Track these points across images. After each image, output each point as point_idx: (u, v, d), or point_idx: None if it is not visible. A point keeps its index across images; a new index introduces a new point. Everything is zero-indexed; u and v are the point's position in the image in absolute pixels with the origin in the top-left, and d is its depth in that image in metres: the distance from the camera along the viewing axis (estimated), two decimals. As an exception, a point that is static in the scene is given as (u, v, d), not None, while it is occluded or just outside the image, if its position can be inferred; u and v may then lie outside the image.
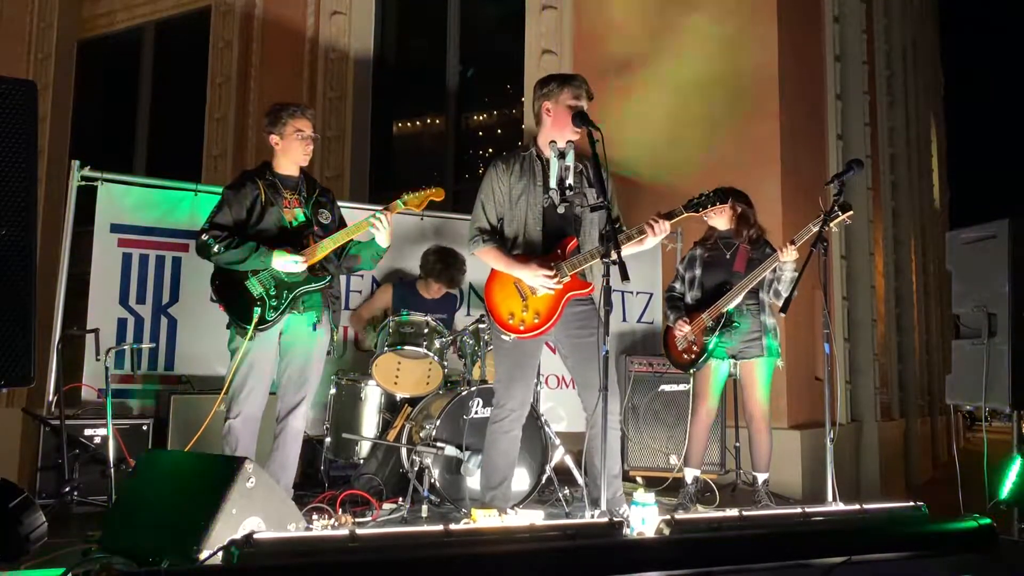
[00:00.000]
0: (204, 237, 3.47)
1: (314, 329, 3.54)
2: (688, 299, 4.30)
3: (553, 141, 3.39)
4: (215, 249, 3.44)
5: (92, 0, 9.06)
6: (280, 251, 3.43)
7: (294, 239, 3.53)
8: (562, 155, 3.36)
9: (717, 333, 4.07)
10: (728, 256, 4.20)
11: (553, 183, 3.37)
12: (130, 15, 8.87)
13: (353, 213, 4.08)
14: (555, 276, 3.28)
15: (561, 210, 3.39)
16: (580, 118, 3.23)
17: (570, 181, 3.36)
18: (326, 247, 3.52)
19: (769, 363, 4.13)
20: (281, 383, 3.56)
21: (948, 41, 15.66)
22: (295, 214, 3.58)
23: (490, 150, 7.59)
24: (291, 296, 3.47)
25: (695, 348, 4.17)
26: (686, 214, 3.38)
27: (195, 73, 8.17)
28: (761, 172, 5.53)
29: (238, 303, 3.48)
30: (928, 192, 11.32)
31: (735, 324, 4.08)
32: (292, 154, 3.61)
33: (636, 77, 6.10)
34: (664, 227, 3.26)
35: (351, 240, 3.63)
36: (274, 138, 3.60)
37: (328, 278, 3.56)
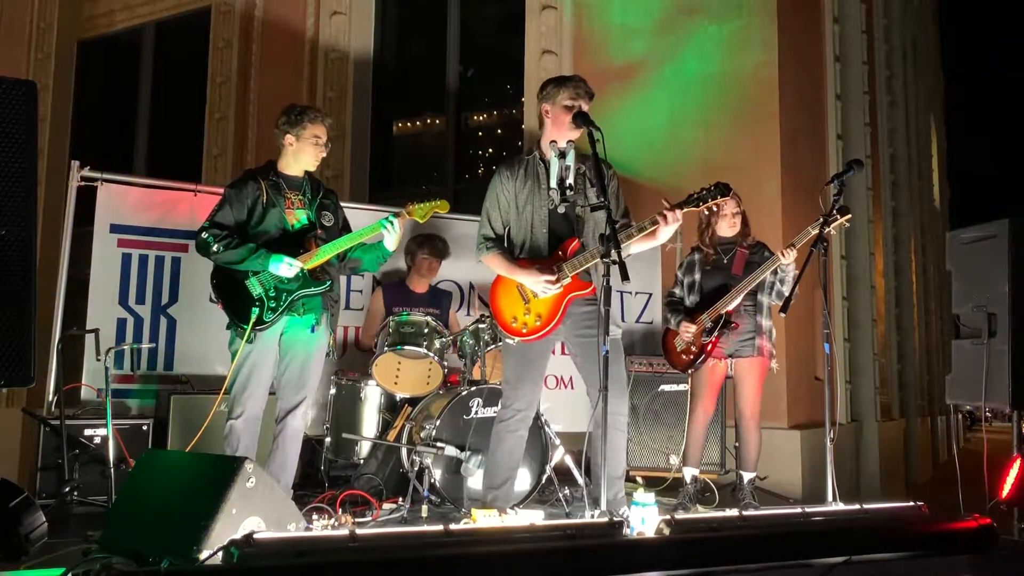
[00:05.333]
0: (204, 235, 3.46)
1: (313, 331, 3.54)
2: (688, 303, 4.33)
3: (554, 141, 3.39)
4: (214, 248, 3.43)
5: (92, 0, 9.06)
6: (279, 255, 3.42)
7: (295, 241, 3.51)
8: (562, 155, 3.37)
9: (716, 334, 4.09)
10: (726, 260, 4.24)
11: (553, 183, 3.37)
12: (130, 15, 8.86)
13: (354, 214, 4.08)
14: (556, 279, 3.28)
15: (562, 210, 3.40)
16: (580, 118, 3.23)
17: (570, 181, 3.36)
18: (328, 252, 3.50)
19: (761, 364, 4.15)
20: (281, 384, 3.56)
21: (948, 41, 15.66)
22: (297, 216, 3.57)
23: (490, 150, 7.59)
24: (290, 299, 3.46)
25: (693, 349, 4.20)
26: (687, 207, 3.35)
27: (195, 73, 8.16)
28: (761, 172, 5.53)
29: (237, 303, 3.47)
30: (928, 192, 11.31)
31: (734, 326, 4.11)
32: (303, 158, 3.61)
33: (636, 77, 6.10)
34: (677, 216, 3.23)
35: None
36: (290, 138, 3.58)
37: (328, 282, 3.54)
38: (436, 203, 3.59)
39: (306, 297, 3.49)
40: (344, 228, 3.72)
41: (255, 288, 3.45)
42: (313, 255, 3.48)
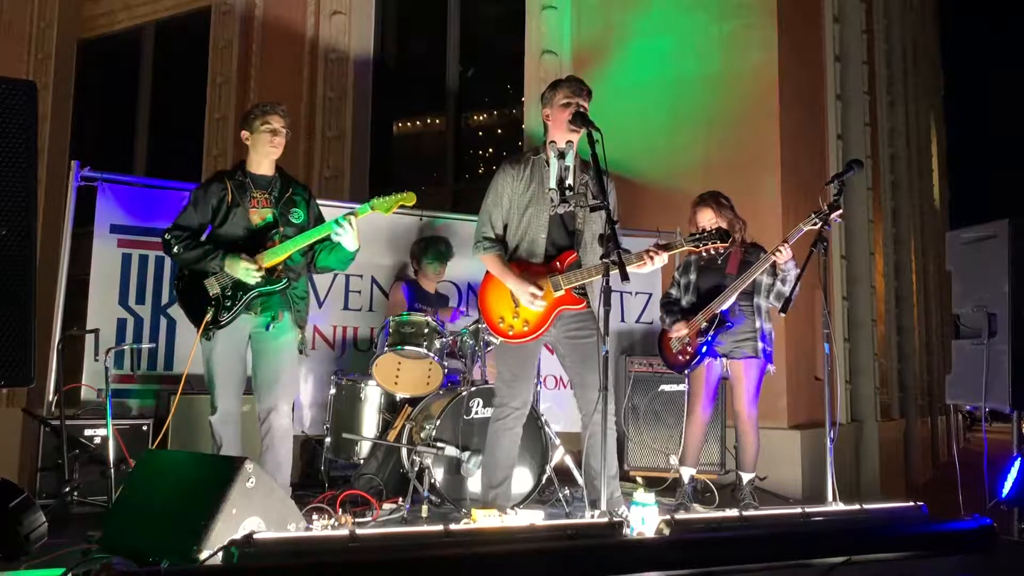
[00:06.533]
0: (166, 236, 3.52)
1: (267, 329, 3.52)
2: (684, 303, 4.32)
3: (553, 142, 3.39)
4: (175, 249, 3.48)
5: (92, 0, 9.07)
6: (233, 256, 3.41)
7: (259, 240, 3.51)
8: (562, 155, 3.36)
9: (710, 334, 4.09)
10: (720, 261, 4.23)
11: (553, 183, 3.36)
12: (130, 15, 8.88)
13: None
14: (542, 295, 3.29)
15: (561, 210, 3.39)
16: (580, 118, 3.22)
17: (570, 181, 3.35)
18: (285, 250, 3.48)
19: (758, 365, 4.14)
20: (256, 386, 3.58)
21: (948, 41, 15.67)
22: (262, 214, 3.55)
23: (490, 150, 7.60)
24: (246, 296, 3.45)
25: (689, 349, 4.20)
26: (685, 247, 3.41)
27: (195, 73, 8.17)
28: (761, 172, 5.53)
29: (194, 303, 3.50)
30: (928, 192, 11.32)
31: (728, 325, 4.10)
32: (260, 147, 3.59)
33: (636, 77, 6.10)
34: (663, 258, 3.31)
35: (324, 241, 3.58)
36: (245, 134, 3.61)
37: (284, 281, 3.51)
38: (401, 196, 3.52)
39: (263, 295, 3.49)
40: (318, 223, 3.66)
41: (212, 288, 3.47)
42: (269, 254, 3.47)
